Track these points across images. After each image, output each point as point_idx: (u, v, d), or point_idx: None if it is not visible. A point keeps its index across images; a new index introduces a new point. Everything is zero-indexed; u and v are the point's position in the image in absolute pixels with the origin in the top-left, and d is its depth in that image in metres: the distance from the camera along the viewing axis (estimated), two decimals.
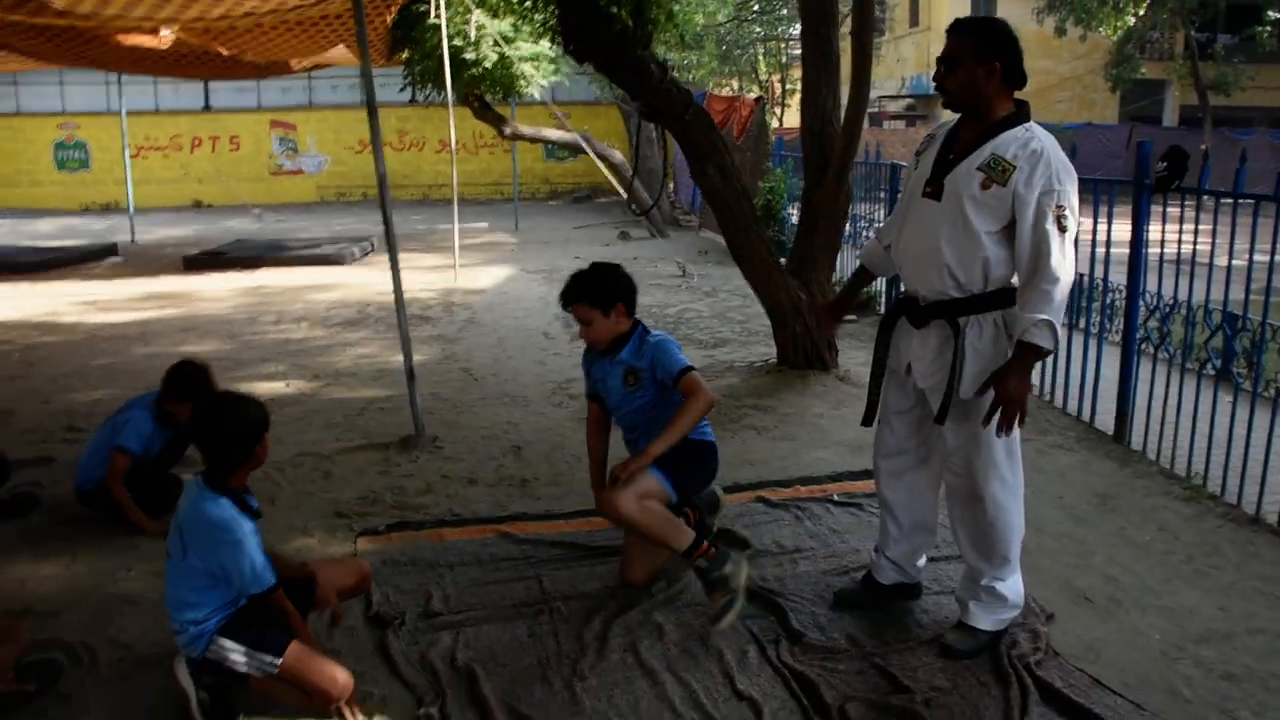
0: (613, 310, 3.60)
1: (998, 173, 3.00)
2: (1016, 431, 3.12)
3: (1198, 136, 25.31)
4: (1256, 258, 4.58)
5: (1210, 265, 4.83)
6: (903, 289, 3.39)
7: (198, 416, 3.01)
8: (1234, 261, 4.81)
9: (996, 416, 3.02)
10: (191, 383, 4.47)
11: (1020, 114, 3.10)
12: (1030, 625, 3.44)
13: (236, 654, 2.90)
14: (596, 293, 3.60)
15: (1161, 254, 5.14)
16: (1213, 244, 4.94)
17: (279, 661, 2.88)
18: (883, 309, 8.03)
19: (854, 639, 3.38)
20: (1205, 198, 5.02)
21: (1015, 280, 3.10)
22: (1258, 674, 3.20)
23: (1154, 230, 5.11)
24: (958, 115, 3.21)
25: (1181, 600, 3.70)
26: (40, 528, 4.45)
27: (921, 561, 3.64)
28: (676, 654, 3.28)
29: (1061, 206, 2.95)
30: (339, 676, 2.91)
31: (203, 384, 4.47)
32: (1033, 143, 3.01)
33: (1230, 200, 4.72)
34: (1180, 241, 4.88)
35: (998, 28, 3.11)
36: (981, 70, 3.05)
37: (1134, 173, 5.25)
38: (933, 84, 3.21)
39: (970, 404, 3.15)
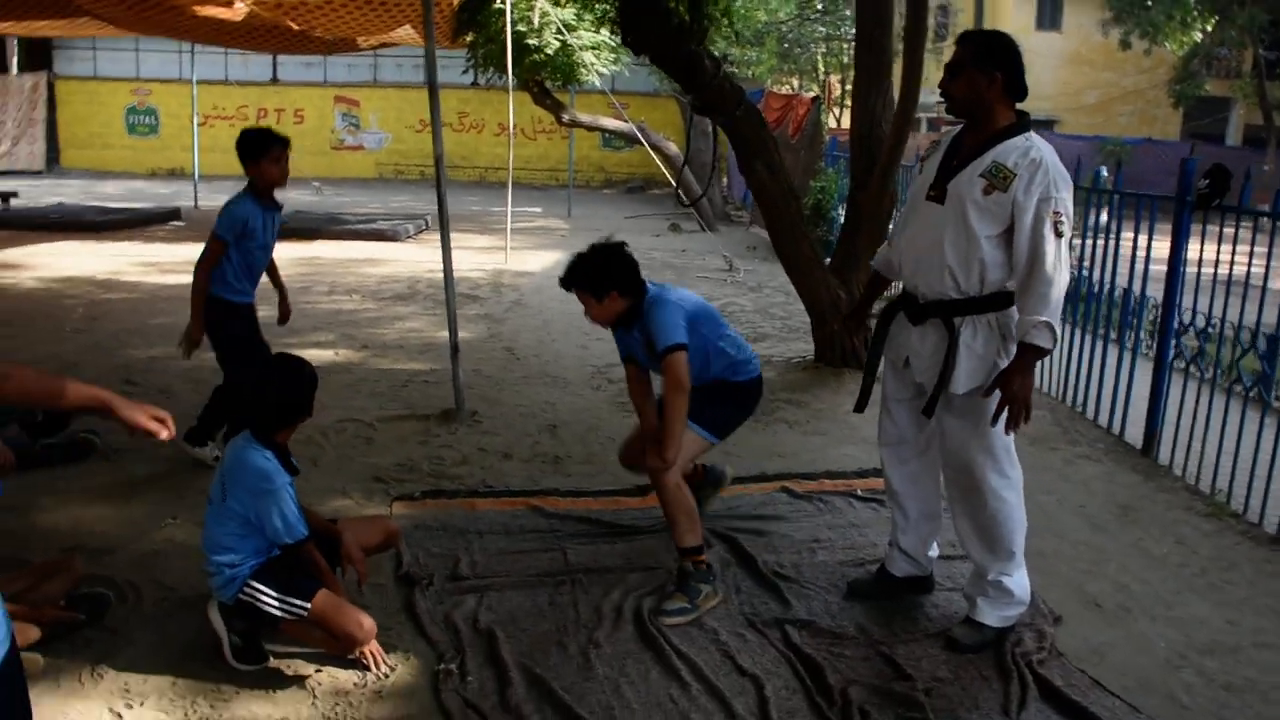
0: (606, 296, 3.64)
1: (999, 179, 3.13)
2: (992, 423, 3.24)
3: (1261, 157, 24.86)
4: None
5: (1248, 285, 4.85)
6: (902, 287, 3.51)
7: (261, 374, 3.17)
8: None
9: (1004, 415, 3.12)
10: (259, 138, 4.64)
11: (1021, 124, 3.24)
12: (1037, 625, 3.52)
13: (268, 598, 3.07)
14: (589, 279, 3.65)
15: (1198, 272, 5.16)
16: (1250, 264, 4.95)
17: (309, 605, 3.05)
18: None
19: (863, 627, 3.49)
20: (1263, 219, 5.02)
21: (1010, 284, 3.22)
22: (1259, 686, 3.26)
23: (1205, 250, 5.11)
24: (961, 123, 3.36)
25: (1192, 612, 3.76)
26: (97, 473, 4.68)
27: (934, 552, 3.74)
28: (686, 631, 3.41)
29: (1058, 213, 3.08)
30: (364, 622, 3.08)
31: (270, 137, 4.62)
32: (1032, 151, 3.13)
33: (1270, 220, 4.73)
34: (1218, 261, 4.88)
35: (1002, 40, 3.26)
36: (984, 79, 3.19)
37: (1177, 189, 5.28)
38: (937, 89, 3.33)
39: (965, 401, 3.28)
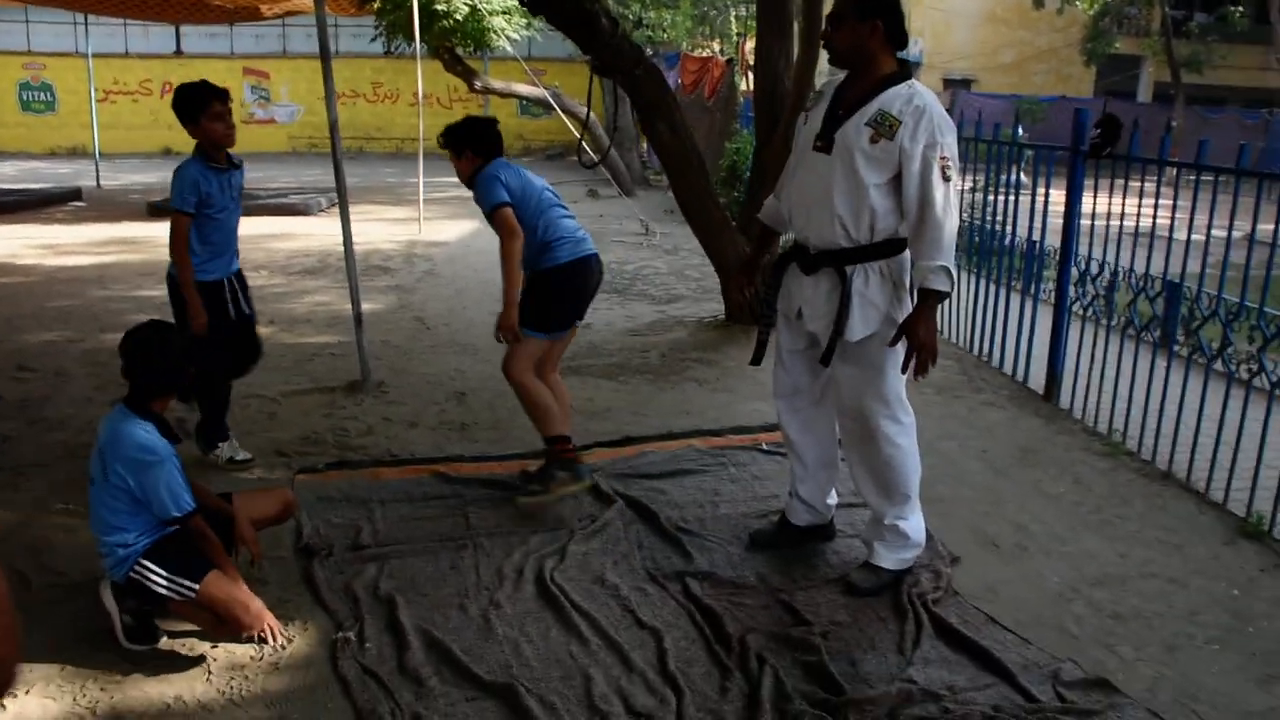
0: (463, 154, 4.16)
1: (885, 128, 3.15)
2: (893, 369, 3.35)
3: (1170, 112, 25.49)
4: (1215, 232, 4.71)
5: (1148, 233, 4.97)
6: (793, 238, 3.54)
7: (128, 341, 3.06)
8: (1186, 235, 4.92)
9: (913, 362, 3.19)
10: (194, 94, 4.23)
11: (903, 72, 3.27)
12: (934, 566, 3.60)
13: (158, 578, 3.00)
14: (450, 139, 4.19)
15: (1106, 224, 5.27)
16: (1148, 212, 5.07)
17: (197, 587, 2.99)
18: None
19: (763, 577, 3.53)
20: (1174, 170, 5.13)
21: (901, 231, 3.26)
22: (1143, 614, 3.38)
23: (1107, 201, 5.21)
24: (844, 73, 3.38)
25: (1084, 547, 3.87)
26: None
27: (832, 500, 3.80)
28: (588, 589, 3.42)
29: (945, 158, 3.12)
30: (252, 605, 3.03)
31: (205, 91, 4.22)
32: (916, 99, 3.17)
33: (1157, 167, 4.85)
34: (1123, 213, 4.99)
35: None
36: (865, 28, 3.21)
37: (1071, 139, 5.37)
38: (821, 42, 3.33)
39: (858, 349, 3.33)
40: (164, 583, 2.99)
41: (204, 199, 4.26)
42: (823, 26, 3.32)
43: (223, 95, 4.31)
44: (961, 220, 6.64)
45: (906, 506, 3.48)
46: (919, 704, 2.80)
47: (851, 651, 3.08)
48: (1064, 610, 3.40)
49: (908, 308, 3.29)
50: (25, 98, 24.69)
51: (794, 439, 3.68)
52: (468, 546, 3.69)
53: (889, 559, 3.49)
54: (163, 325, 3.15)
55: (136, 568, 3.01)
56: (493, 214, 4.03)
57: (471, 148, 4.15)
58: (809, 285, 3.40)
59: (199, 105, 4.21)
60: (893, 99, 3.18)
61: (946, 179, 3.12)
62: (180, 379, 3.09)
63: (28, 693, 2.87)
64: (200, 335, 4.13)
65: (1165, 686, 2.96)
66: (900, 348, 3.24)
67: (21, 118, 24.68)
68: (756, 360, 3.67)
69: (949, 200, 3.12)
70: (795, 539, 3.77)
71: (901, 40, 3.27)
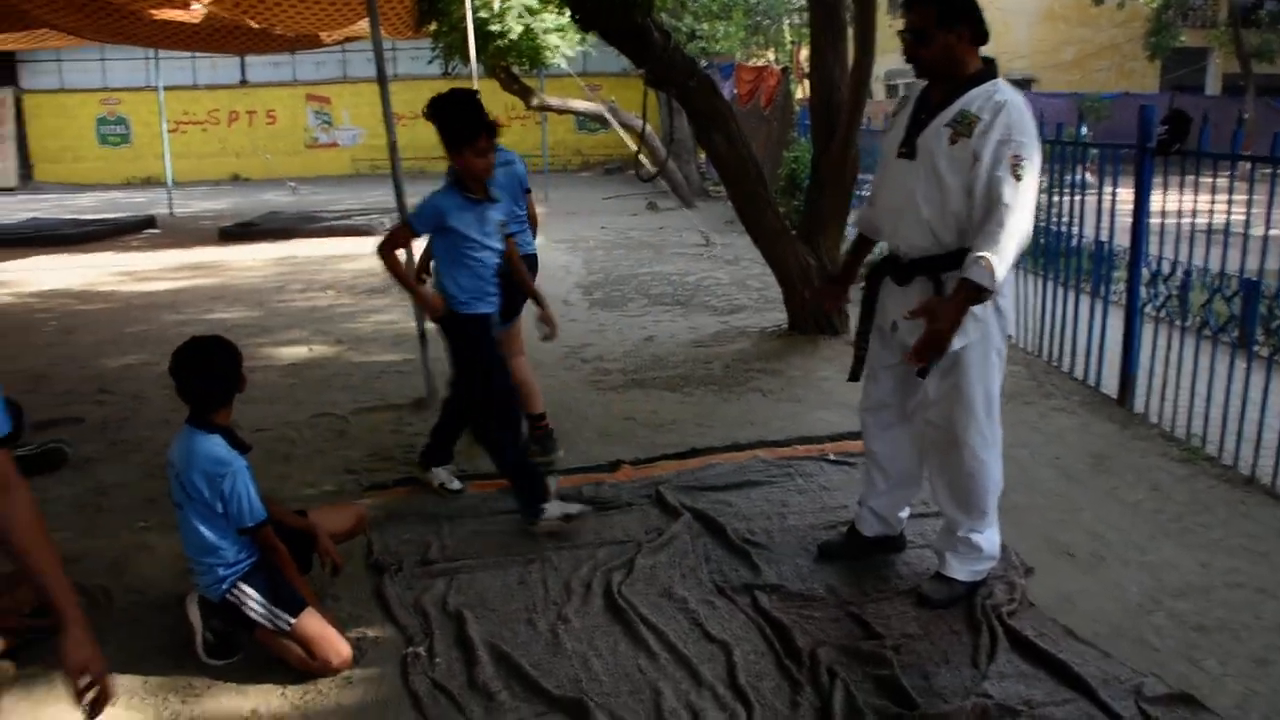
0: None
1: (964, 126, 3.08)
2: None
3: (1241, 104, 24.81)
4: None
5: (1225, 231, 4.83)
6: (886, 248, 3.47)
7: (176, 361, 3.11)
8: (1264, 231, 4.77)
9: (914, 348, 3.09)
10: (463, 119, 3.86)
11: (988, 70, 3.17)
12: (1008, 577, 3.52)
13: (255, 603, 3.05)
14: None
15: (1177, 222, 5.13)
16: (1223, 210, 4.94)
17: (293, 621, 3.04)
18: None
19: (833, 589, 3.49)
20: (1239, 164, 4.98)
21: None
22: (1229, 626, 3.27)
23: (1178, 199, 5.08)
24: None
25: (1165, 556, 3.76)
26: (68, 482, 4.66)
27: (904, 514, 3.74)
28: (656, 602, 3.41)
29: (1018, 157, 2.99)
30: (342, 650, 3.07)
31: (474, 125, 3.83)
32: (997, 95, 3.08)
33: (1229, 162, 4.73)
34: (1195, 210, 4.86)
35: None
36: (951, 36, 3.12)
37: (1138, 137, 5.26)
38: (903, 57, 3.27)
39: (951, 357, 3.21)
40: (261, 610, 3.04)
41: (450, 229, 3.94)
42: (903, 41, 3.22)
43: (491, 131, 3.90)
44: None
45: (983, 521, 3.40)
46: (995, 719, 2.74)
47: (924, 665, 3.03)
48: (1144, 622, 3.31)
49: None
50: (103, 132, 25.49)
51: (878, 452, 3.61)
52: (535, 561, 3.71)
53: (961, 570, 3.42)
54: (205, 340, 3.17)
55: (235, 590, 3.06)
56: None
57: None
58: (902, 297, 3.31)
59: (465, 138, 3.85)
60: (975, 98, 3.10)
61: (1018, 177, 2.98)
62: (232, 387, 3.12)
63: (114, 704, 2.93)
64: (436, 318, 4.09)
65: (1256, 703, 2.85)
66: (994, 359, 3.19)
67: (100, 151, 25.48)
68: (854, 376, 3.58)
69: (1019, 199, 2.97)
70: (864, 549, 3.72)
71: (984, 37, 3.17)
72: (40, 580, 1.84)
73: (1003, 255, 2.96)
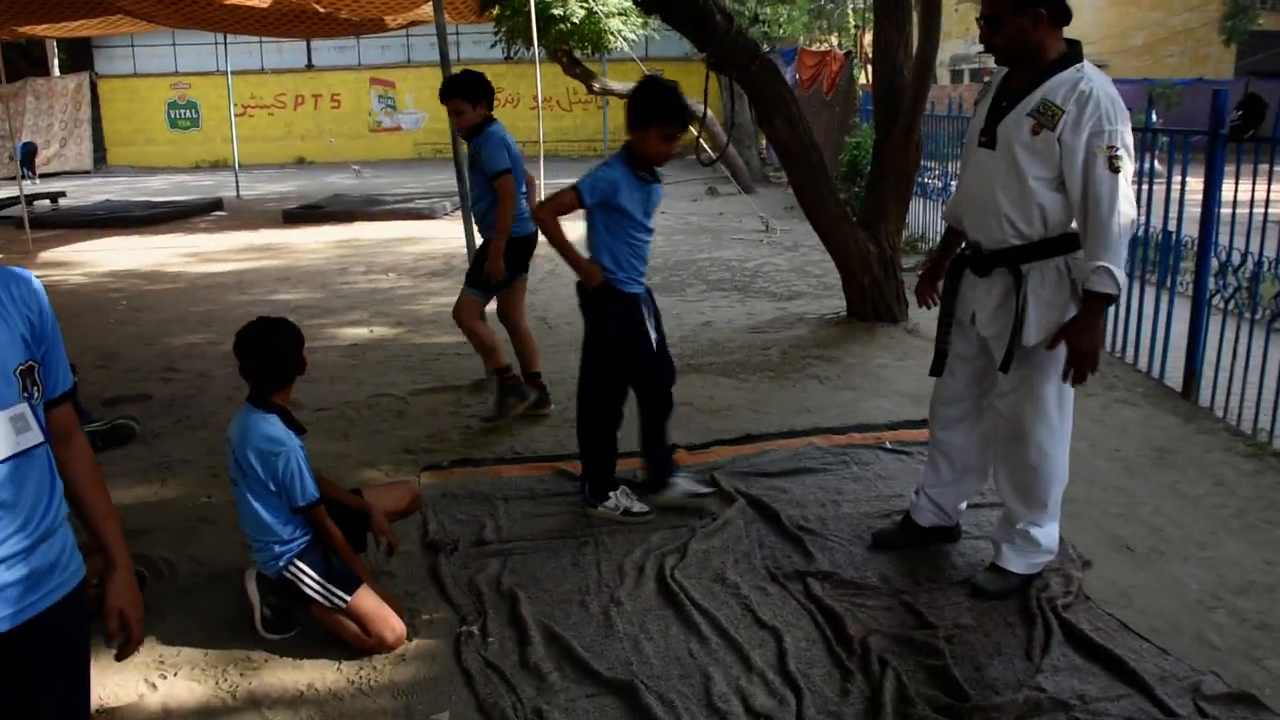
0: (478, 104, 5.00)
1: (1047, 117, 2.98)
2: (1062, 380, 3.16)
3: None
4: None
5: None
6: (967, 239, 3.38)
7: (240, 341, 3.17)
8: None
9: (1071, 371, 3.04)
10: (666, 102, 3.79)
11: (1073, 54, 3.06)
12: (1065, 570, 3.48)
13: (311, 580, 3.11)
14: (467, 90, 4.99)
15: (1250, 211, 4.99)
16: None
17: (349, 599, 3.09)
18: None
19: (886, 578, 3.47)
20: None
21: (1075, 225, 3.08)
22: None
23: (1250, 188, 4.94)
24: None
25: (1226, 552, 3.69)
26: (135, 457, 4.79)
27: (963, 505, 3.71)
28: (708, 587, 3.42)
29: (1113, 147, 2.91)
30: (397, 626, 3.12)
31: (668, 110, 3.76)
32: (1082, 84, 2.97)
33: None
34: (1267, 199, 4.73)
35: None
36: (1027, 20, 3.01)
37: (1210, 122, 5.13)
38: (979, 45, 3.20)
39: (1027, 350, 3.16)
40: (317, 587, 3.10)
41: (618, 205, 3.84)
42: (978, 28, 3.15)
43: (683, 120, 3.83)
44: None
45: (1043, 514, 3.35)
46: (1048, 713, 2.71)
47: (977, 656, 3.01)
48: (1204, 619, 3.24)
49: None
50: (173, 116, 26.02)
51: (947, 442, 3.57)
52: (589, 543, 3.74)
53: (1018, 563, 3.37)
54: (269, 321, 3.22)
55: (291, 568, 3.13)
56: (496, 178, 4.82)
57: (488, 100, 4.91)
58: (982, 289, 3.25)
59: (652, 117, 3.76)
60: (1058, 85, 3.00)
61: (1115, 170, 2.90)
62: (291, 369, 3.16)
63: (176, 674, 3.03)
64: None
65: None
66: (1063, 352, 3.08)
67: (170, 135, 26.02)
68: (936, 371, 3.52)
69: (1117, 194, 2.90)
70: (919, 540, 3.69)
71: (1066, 16, 3.05)
72: (95, 525, 1.95)
73: (1118, 256, 2.92)
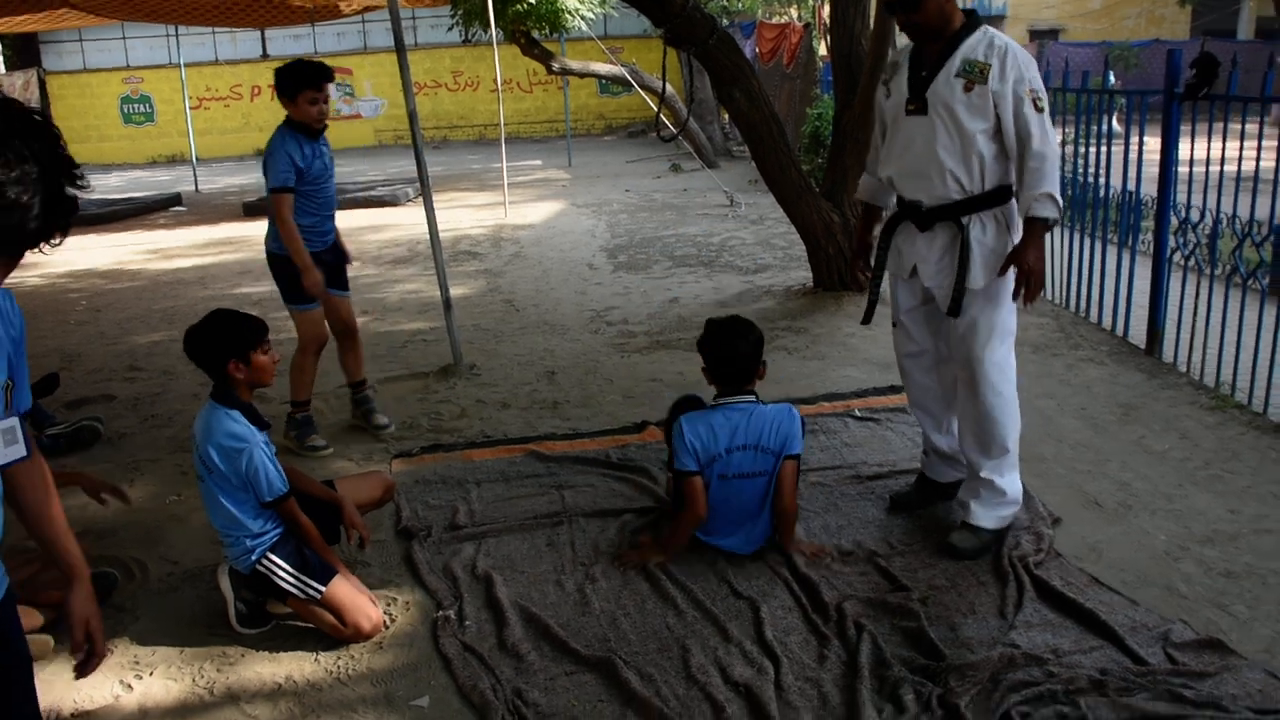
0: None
1: (976, 74, 3.23)
2: (1012, 322, 3.42)
3: (1273, 49, 24.24)
4: None
5: (1255, 178, 4.75)
6: (898, 200, 3.54)
7: (188, 334, 3.13)
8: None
9: (1024, 290, 3.25)
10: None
11: (972, 20, 3.34)
12: (1035, 528, 3.52)
13: (285, 574, 3.09)
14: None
15: (1205, 170, 5.05)
16: (1256, 155, 4.85)
17: (323, 589, 3.08)
18: None
19: (859, 543, 3.50)
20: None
21: (1009, 177, 3.32)
22: (1257, 571, 3.25)
23: (1206, 146, 4.99)
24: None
25: (1193, 504, 3.74)
26: (101, 458, 4.73)
27: None
28: (686, 560, 3.42)
29: (1034, 90, 3.20)
30: (373, 615, 3.11)
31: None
32: (995, 40, 3.26)
33: (1258, 107, 4.63)
34: (1222, 157, 4.77)
35: None
36: None
37: (1165, 82, 5.17)
38: (898, 27, 3.40)
39: (973, 295, 3.35)
40: (291, 580, 3.08)
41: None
42: (894, 15, 3.38)
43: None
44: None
45: (1004, 461, 3.46)
46: (1022, 668, 2.74)
47: (951, 617, 3.04)
48: (1172, 569, 3.30)
49: None
50: (126, 111, 25.55)
51: (927, 389, 3.70)
52: (563, 524, 3.74)
53: (987, 518, 3.45)
54: (218, 313, 3.16)
55: (264, 561, 3.10)
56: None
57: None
58: (923, 242, 3.44)
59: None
60: (974, 46, 3.25)
61: (1039, 109, 3.20)
62: (236, 356, 3.08)
63: (151, 674, 3.00)
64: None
65: None
66: (1008, 293, 3.32)
67: (124, 130, 25.58)
68: (866, 320, 3.71)
69: (1045, 129, 3.20)
70: (939, 496, 3.77)
71: None
72: (55, 540, 1.92)
73: (1054, 184, 3.20)
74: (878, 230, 3.72)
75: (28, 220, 1.57)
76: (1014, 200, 3.33)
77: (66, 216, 1.67)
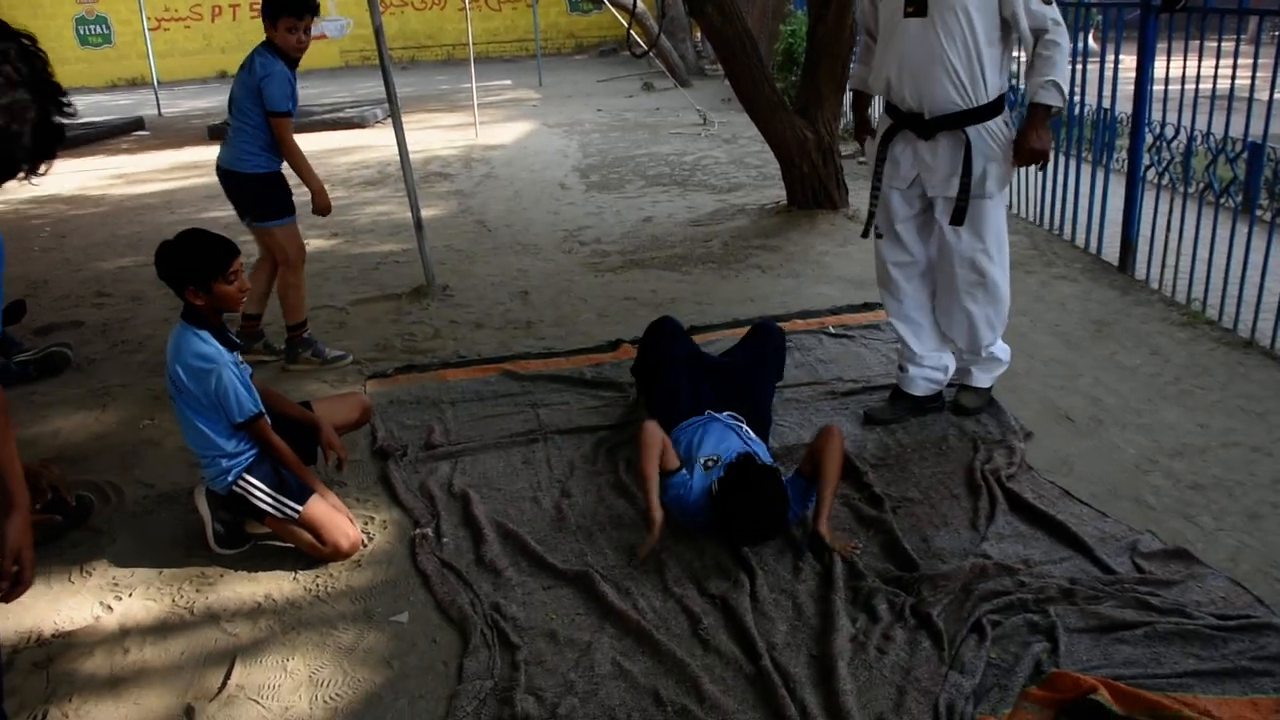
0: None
1: None
2: (1003, 221, 3.58)
3: None
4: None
5: (1229, 95, 4.73)
6: (902, 108, 3.50)
7: (158, 253, 3.06)
8: (1269, 93, 4.65)
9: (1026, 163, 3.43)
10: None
11: None
12: (1008, 442, 3.57)
13: (262, 494, 3.08)
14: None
15: (1181, 88, 5.01)
16: (1232, 72, 4.82)
17: (301, 509, 3.07)
18: None
19: None
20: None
21: (1005, 87, 3.43)
22: (1224, 483, 3.31)
23: (1183, 63, 4.94)
24: None
25: (1162, 418, 3.79)
26: (72, 384, 4.68)
27: (950, 364, 3.86)
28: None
29: None
30: (351, 533, 3.11)
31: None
32: None
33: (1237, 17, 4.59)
34: (1198, 76, 4.73)
35: None
36: None
37: None
38: None
39: (974, 206, 3.46)
40: (268, 500, 3.07)
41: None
42: None
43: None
44: None
45: (998, 334, 3.75)
46: (994, 578, 2.79)
47: (924, 529, 3.08)
48: (1141, 482, 3.35)
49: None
50: (82, 32, 24.76)
51: (914, 295, 3.77)
52: (538, 441, 3.75)
53: (986, 379, 3.80)
54: (186, 233, 3.08)
55: (240, 482, 3.08)
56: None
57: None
58: (926, 151, 3.48)
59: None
60: None
61: (1048, 2, 3.26)
62: (204, 277, 3.00)
63: (131, 595, 3.01)
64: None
65: (1248, 555, 2.91)
66: (1004, 197, 3.53)
67: (80, 53, 24.81)
68: (866, 233, 3.80)
69: (1058, 19, 3.27)
70: (914, 410, 3.84)
71: None
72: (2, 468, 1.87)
73: (1063, 72, 3.29)
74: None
75: (16, 149, 1.51)
76: (1008, 111, 3.44)
77: (54, 145, 1.60)
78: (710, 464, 3.13)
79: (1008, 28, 3.32)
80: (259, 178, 4.53)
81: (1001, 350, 3.79)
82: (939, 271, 3.70)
